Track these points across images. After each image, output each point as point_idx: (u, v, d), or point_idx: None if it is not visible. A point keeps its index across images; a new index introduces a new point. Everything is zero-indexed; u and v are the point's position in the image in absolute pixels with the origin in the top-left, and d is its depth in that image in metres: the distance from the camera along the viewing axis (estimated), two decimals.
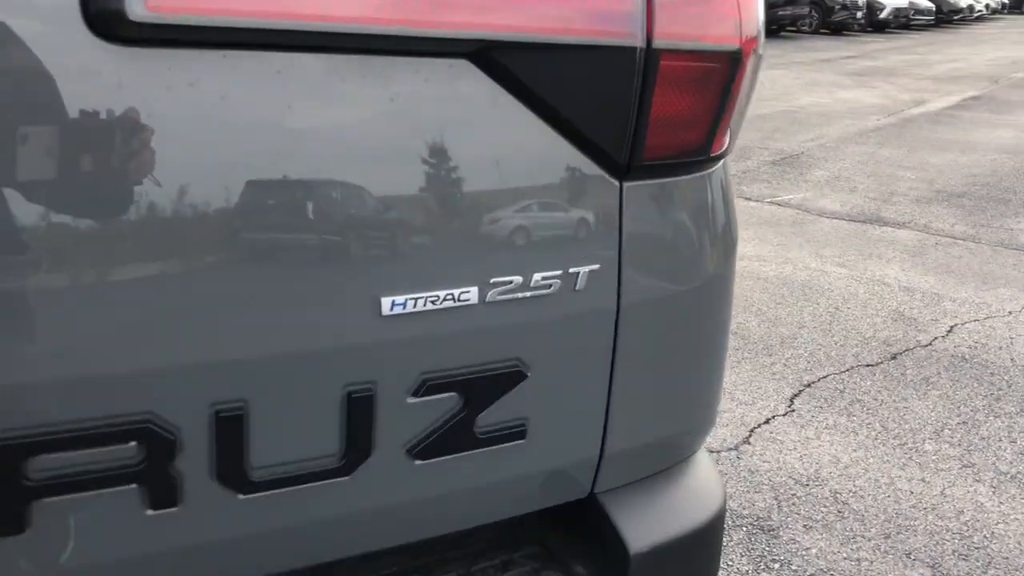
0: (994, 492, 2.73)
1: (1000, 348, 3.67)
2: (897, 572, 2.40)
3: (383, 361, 0.84)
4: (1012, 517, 2.60)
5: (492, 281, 0.85)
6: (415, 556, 1.03)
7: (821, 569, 2.44)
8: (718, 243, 1.02)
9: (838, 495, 2.73)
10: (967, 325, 3.88)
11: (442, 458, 0.90)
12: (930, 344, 3.71)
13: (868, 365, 3.54)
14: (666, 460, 1.07)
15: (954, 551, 2.48)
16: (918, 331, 3.82)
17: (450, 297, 0.82)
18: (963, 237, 5.07)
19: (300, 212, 0.78)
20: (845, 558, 2.47)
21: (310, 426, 0.83)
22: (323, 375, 0.82)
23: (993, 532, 2.54)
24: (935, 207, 5.66)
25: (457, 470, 0.92)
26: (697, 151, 0.95)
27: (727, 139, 0.99)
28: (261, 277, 0.77)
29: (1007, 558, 2.45)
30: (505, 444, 0.92)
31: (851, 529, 2.57)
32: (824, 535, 2.54)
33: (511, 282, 0.86)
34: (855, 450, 2.97)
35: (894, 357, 3.60)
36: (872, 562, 2.45)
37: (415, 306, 0.81)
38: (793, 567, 2.45)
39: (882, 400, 3.27)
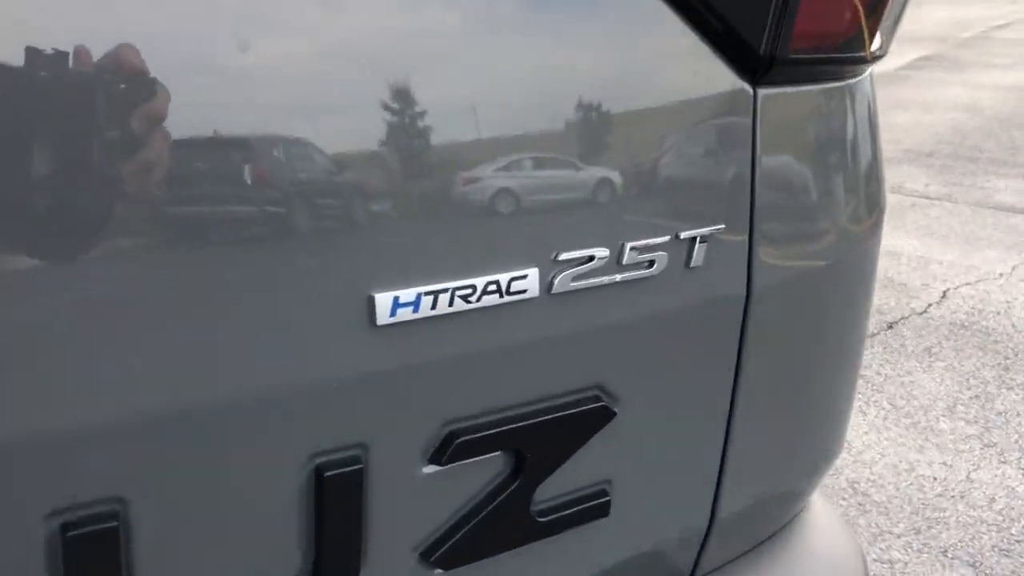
0: (1023, 474, 2.49)
1: (998, 313, 3.46)
2: (936, 574, 2.14)
3: (379, 406, 0.47)
4: None
5: (561, 259, 0.49)
6: None
7: None
8: (869, 191, 0.68)
9: (856, 485, 2.46)
10: (960, 289, 3.67)
11: (480, 562, 0.53)
12: (925, 311, 3.47)
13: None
14: (785, 514, 0.73)
15: (993, 546, 2.23)
16: (911, 297, 3.59)
17: (493, 288, 0.46)
18: (938, 197, 4.88)
19: (222, 158, 0.41)
20: (875, 559, 2.20)
21: (248, 533, 0.46)
22: (270, 441, 0.45)
23: None
24: (906, 167, 5.47)
25: None
26: (851, 45, 0.60)
27: (882, 38, 0.65)
28: (146, 267, 0.40)
29: None
30: (579, 527, 0.56)
31: (877, 525, 2.30)
32: None
33: (591, 259, 0.50)
34: (866, 432, 2.71)
35: (891, 326, 3.36)
36: (907, 563, 2.18)
37: (433, 307, 0.45)
38: None
39: (886, 375, 3.02)
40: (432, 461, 0.51)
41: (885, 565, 2.18)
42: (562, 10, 0.48)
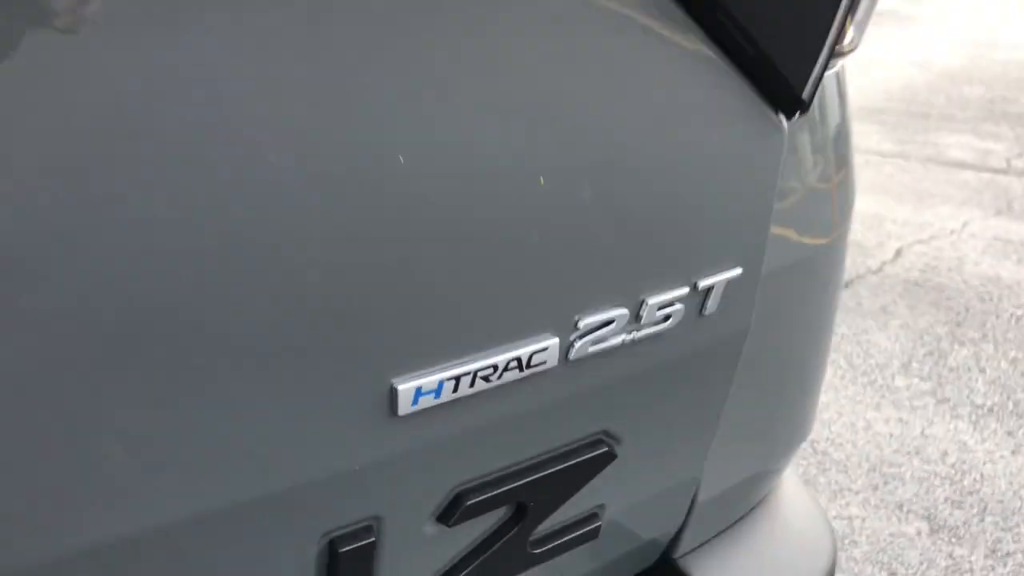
0: (975, 428, 2.55)
1: (950, 270, 3.51)
2: (893, 528, 2.20)
3: (393, 482, 0.44)
4: (998, 455, 2.43)
5: (581, 325, 0.46)
6: None
7: None
8: (849, 186, 0.66)
9: (816, 444, 2.51)
10: (913, 247, 3.71)
11: None
12: (880, 270, 3.51)
13: None
14: (761, 492, 0.73)
15: (946, 499, 2.29)
16: (866, 256, 3.62)
17: (514, 364, 0.43)
18: (892, 154, 4.91)
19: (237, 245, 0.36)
20: (835, 516, 2.25)
21: None
22: (286, 528, 0.42)
23: (982, 474, 2.36)
24: (859, 124, 5.48)
25: None
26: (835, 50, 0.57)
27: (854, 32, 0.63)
28: (169, 375, 0.36)
29: (1001, 502, 2.27)
30: (568, 552, 0.55)
31: (837, 483, 2.35)
32: None
33: (611, 322, 0.47)
34: (825, 391, 2.74)
35: (847, 285, 3.40)
36: (864, 519, 2.24)
37: (454, 391, 0.41)
38: None
39: (843, 334, 3.06)
40: (440, 521, 0.49)
41: (844, 521, 2.23)
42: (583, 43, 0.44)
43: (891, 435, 2.52)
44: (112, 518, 0.37)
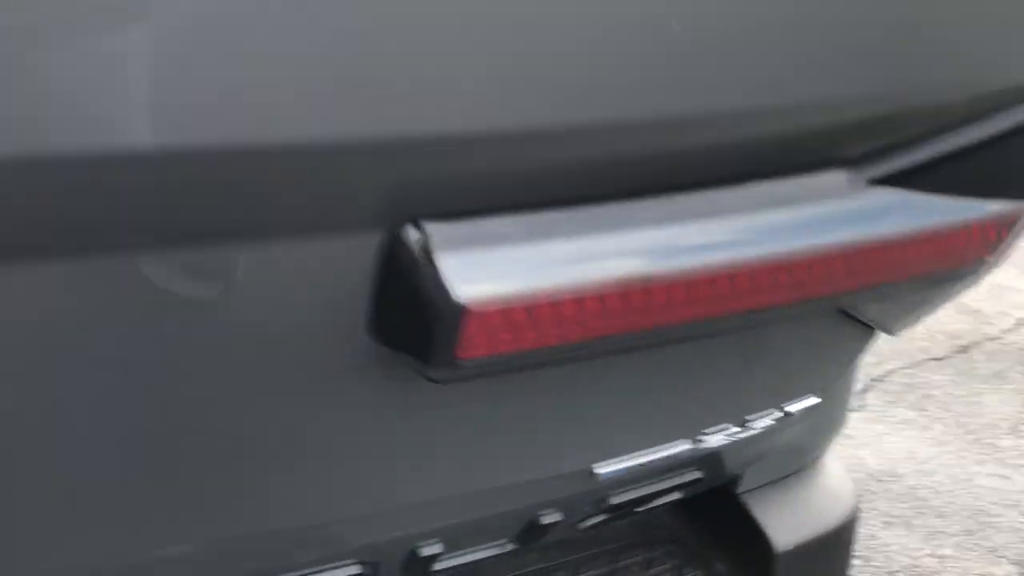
0: None
1: None
2: (982, 568, 2.26)
3: (577, 498, 0.78)
4: None
5: (704, 432, 0.78)
6: (559, 553, 1.00)
7: (904, 566, 2.31)
8: None
9: (916, 491, 2.58)
10: None
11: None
12: (999, 337, 3.47)
13: (936, 359, 3.32)
14: (803, 460, 1.00)
15: None
16: (986, 324, 3.58)
17: (659, 458, 0.76)
18: None
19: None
20: (928, 554, 2.34)
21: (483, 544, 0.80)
22: (521, 515, 0.77)
23: None
24: None
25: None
26: None
27: None
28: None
29: None
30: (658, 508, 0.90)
31: (931, 525, 2.43)
32: (904, 531, 2.41)
33: (720, 432, 0.78)
34: (930, 445, 2.80)
35: (963, 351, 3.38)
36: (957, 559, 2.31)
37: (625, 472, 0.74)
38: (875, 564, 2.32)
39: (954, 395, 3.08)
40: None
41: (936, 559, 2.31)
42: None
43: (991, 488, 2.55)
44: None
